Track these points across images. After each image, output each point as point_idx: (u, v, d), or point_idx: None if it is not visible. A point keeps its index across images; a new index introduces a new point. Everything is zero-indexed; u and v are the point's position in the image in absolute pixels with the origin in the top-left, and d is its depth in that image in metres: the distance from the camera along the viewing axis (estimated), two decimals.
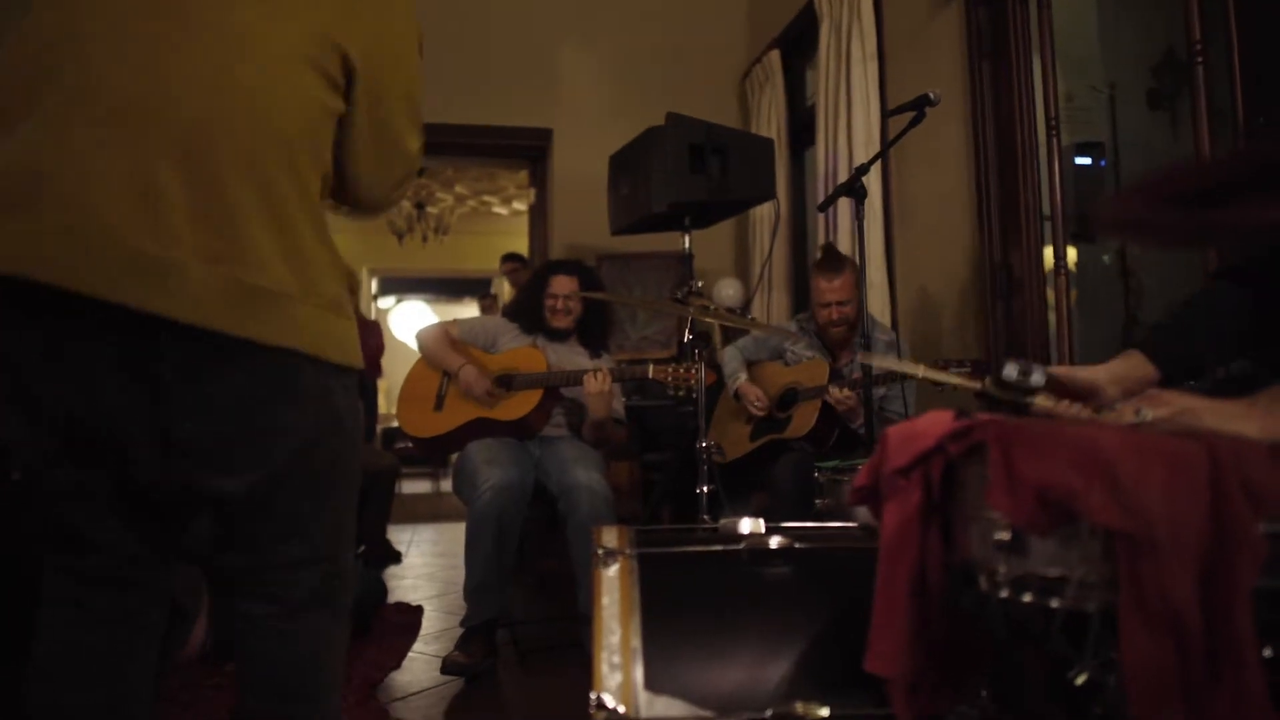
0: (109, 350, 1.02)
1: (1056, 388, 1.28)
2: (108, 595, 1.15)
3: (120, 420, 1.04)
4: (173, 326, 1.00)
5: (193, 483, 1.09)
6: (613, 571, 1.12)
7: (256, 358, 1.06)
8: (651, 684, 1.02)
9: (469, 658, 2.61)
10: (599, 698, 1.00)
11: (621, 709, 1.00)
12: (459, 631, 2.72)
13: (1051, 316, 2.91)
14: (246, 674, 1.17)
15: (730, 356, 3.37)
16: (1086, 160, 3.37)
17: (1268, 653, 0.75)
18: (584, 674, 1.03)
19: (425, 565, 4.83)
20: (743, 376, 3.27)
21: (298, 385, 1.10)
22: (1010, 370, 1.18)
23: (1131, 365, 1.33)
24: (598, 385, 2.85)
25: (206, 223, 1.03)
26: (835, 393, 2.83)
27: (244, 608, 1.16)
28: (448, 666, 2.60)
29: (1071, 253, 3.25)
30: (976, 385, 1.20)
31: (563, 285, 3.15)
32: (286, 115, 1.11)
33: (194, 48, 1.07)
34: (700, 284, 2.84)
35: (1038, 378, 1.18)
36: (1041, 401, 1.19)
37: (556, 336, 3.16)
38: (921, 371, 1.41)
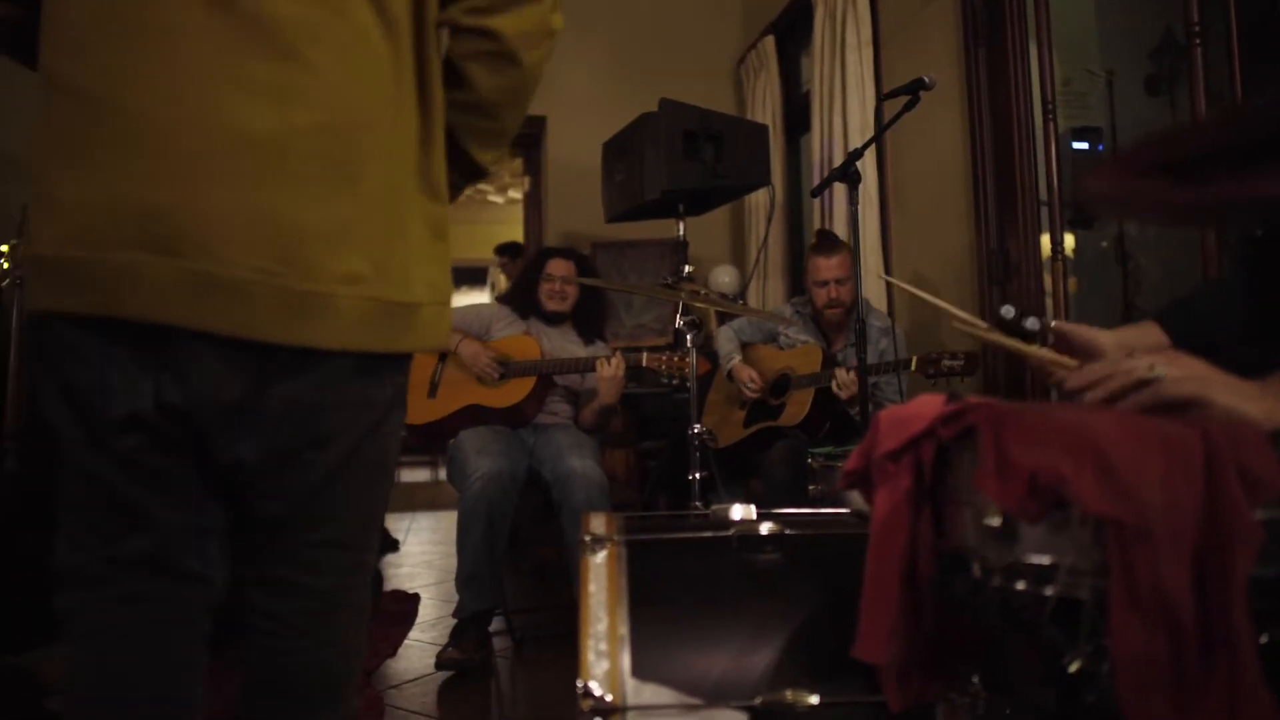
0: (222, 361, 0.97)
1: (1059, 343, 1.27)
2: (164, 586, 1.05)
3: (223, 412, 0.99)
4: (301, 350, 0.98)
5: (281, 460, 1.03)
6: (600, 558, 1.11)
7: (376, 360, 1.06)
8: (639, 671, 1.01)
9: (463, 652, 2.60)
10: (585, 685, 0.98)
11: (609, 697, 0.98)
12: (454, 621, 2.71)
13: (1049, 303, 2.89)
14: (265, 676, 1.10)
15: (725, 338, 3.34)
16: (1084, 145, 3.35)
17: (1264, 640, 0.74)
18: (576, 662, 1.02)
19: (423, 553, 4.83)
20: (737, 358, 3.25)
21: (385, 378, 1.10)
22: (1008, 310, 1.21)
23: (1143, 334, 1.31)
24: (611, 370, 2.85)
25: (342, 246, 0.99)
26: (842, 375, 2.79)
27: (270, 606, 1.09)
28: (442, 663, 2.58)
29: (1069, 239, 3.24)
30: (982, 324, 1.22)
31: (559, 268, 3.15)
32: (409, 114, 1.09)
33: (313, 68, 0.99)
34: (691, 269, 2.82)
35: (1031, 323, 1.20)
36: (1041, 352, 1.20)
37: (550, 321, 3.15)
38: (938, 303, 1.41)
